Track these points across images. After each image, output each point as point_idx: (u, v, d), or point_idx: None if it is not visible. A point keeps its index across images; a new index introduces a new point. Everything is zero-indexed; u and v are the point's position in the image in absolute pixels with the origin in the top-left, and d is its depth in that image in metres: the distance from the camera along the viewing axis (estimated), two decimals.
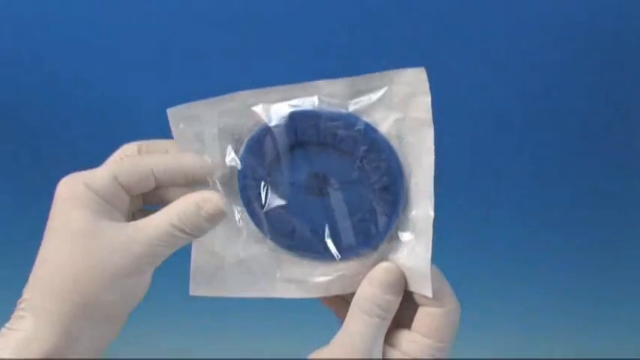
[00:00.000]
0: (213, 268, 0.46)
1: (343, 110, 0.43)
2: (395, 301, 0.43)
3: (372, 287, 0.43)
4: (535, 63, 1.13)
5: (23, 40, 1.14)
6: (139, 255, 0.41)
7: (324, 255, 0.45)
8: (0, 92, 1.15)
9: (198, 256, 0.46)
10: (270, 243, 0.46)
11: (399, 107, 0.42)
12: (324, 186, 0.44)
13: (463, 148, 1.12)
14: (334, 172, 0.44)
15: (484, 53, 1.13)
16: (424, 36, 1.11)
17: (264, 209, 0.45)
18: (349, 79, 0.43)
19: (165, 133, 0.47)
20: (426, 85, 0.42)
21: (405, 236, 0.44)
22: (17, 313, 0.41)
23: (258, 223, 0.46)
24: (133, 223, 0.43)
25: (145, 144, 0.46)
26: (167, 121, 0.46)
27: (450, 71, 1.09)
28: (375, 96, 0.43)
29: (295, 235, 0.45)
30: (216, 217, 0.43)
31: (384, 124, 0.43)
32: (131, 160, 0.44)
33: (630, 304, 1.14)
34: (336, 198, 0.44)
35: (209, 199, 0.43)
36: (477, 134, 1.16)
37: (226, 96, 0.44)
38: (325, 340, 0.43)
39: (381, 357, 0.43)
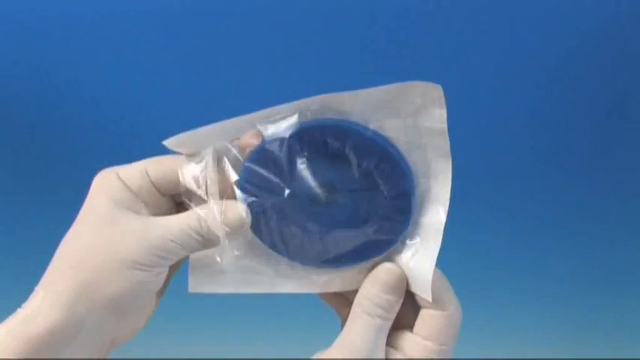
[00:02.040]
0: (212, 264, 0.45)
1: (350, 120, 0.43)
2: (396, 302, 0.43)
3: (373, 287, 0.43)
4: (542, 67, 1.13)
5: (23, 40, 1.14)
6: (150, 245, 0.42)
7: (331, 264, 0.44)
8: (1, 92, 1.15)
9: (196, 254, 0.45)
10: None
11: (410, 116, 0.42)
12: (331, 196, 0.43)
13: (463, 152, 1.12)
14: (342, 180, 0.43)
15: (492, 56, 1.13)
16: (434, 39, 1.11)
17: (267, 222, 0.44)
18: (356, 91, 0.42)
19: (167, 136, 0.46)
20: (442, 100, 0.42)
21: (412, 239, 0.44)
22: (34, 291, 0.42)
23: (262, 238, 0.45)
24: (153, 217, 0.43)
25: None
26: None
27: (453, 73, 1.09)
28: (383, 107, 0.42)
29: (299, 246, 0.44)
30: (237, 228, 0.43)
31: (393, 131, 0.43)
32: (163, 157, 0.45)
33: (631, 305, 1.15)
34: (344, 207, 0.44)
35: (232, 208, 0.43)
36: (479, 137, 1.16)
37: (224, 122, 0.44)
38: (326, 339, 0.43)
39: (383, 358, 0.43)
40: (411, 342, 0.43)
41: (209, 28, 1.12)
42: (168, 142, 0.44)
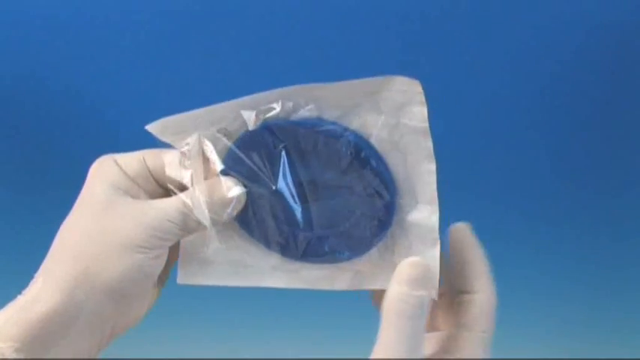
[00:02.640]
0: (201, 256, 0.45)
1: (327, 118, 0.43)
2: (427, 297, 0.40)
3: (400, 286, 0.39)
4: (542, 67, 1.13)
5: (23, 40, 1.14)
6: (148, 227, 0.42)
7: (315, 260, 0.44)
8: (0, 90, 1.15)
9: (186, 245, 0.46)
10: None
11: (391, 113, 0.42)
12: (312, 192, 0.43)
13: (463, 152, 1.12)
14: (323, 178, 0.43)
15: (492, 57, 1.13)
16: (428, 36, 1.11)
17: (251, 215, 0.44)
18: (339, 83, 0.42)
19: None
20: (422, 97, 0.41)
21: (405, 237, 0.43)
22: (34, 278, 0.42)
23: (247, 230, 0.45)
24: (149, 200, 0.44)
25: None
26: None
27: (454, 73, 1.09)
28: (365, 101, 0.42)
29: (284, 242, 0.44)
30: (227, 204, 0.43)
31: (374, 128, 0.42)
32: (161, 149, 0.45)
33: (631, 304, 1.15)
34: (325, 204, 0.43)
35: (218, 187, 0.43)
36: (475, 134, 1.16)
37: (207, 108, 0.44)
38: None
39: (423, 357, 0.40)
40: (452, 337, 0.42)
41: (209, 28, 1.12)
42: (151, 127, 0.44)
